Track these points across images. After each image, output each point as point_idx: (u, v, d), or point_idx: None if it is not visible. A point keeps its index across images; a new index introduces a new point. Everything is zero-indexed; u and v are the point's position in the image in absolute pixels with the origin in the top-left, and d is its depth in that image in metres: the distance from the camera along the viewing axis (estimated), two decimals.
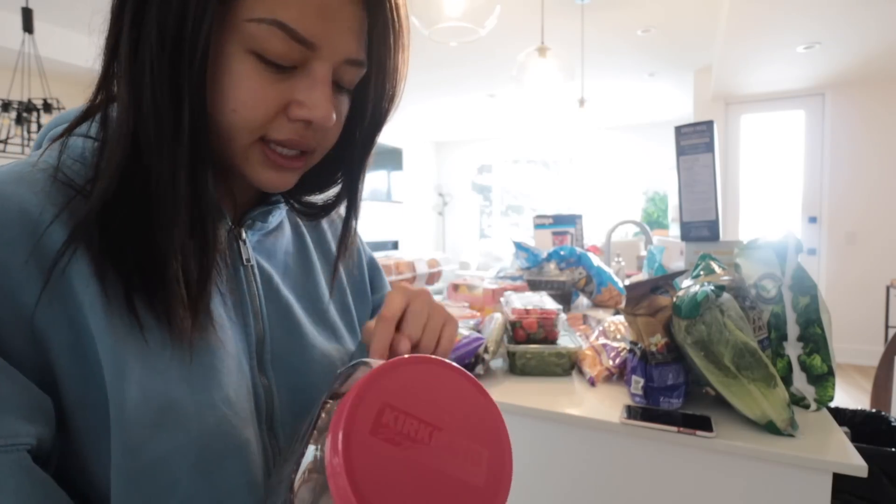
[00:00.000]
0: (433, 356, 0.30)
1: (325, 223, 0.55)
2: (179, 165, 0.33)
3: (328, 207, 0.48)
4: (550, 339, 1.05)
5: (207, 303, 0.36)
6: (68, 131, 0.37)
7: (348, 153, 0.44)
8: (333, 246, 0.54)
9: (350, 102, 0.41)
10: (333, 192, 0.48)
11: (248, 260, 0.43)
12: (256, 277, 0.43)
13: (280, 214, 0.47)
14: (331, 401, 0.30)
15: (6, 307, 0.30)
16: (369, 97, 0.41)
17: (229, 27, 0.33)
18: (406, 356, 0.29)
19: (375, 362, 0.30)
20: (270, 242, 0.46)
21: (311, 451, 0.27)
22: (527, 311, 1.05)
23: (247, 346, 0.40)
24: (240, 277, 0.42)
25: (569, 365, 1.02)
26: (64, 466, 0.32)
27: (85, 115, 0.37)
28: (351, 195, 0.46)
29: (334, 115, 0.37)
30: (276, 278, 0.45)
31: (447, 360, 0.30)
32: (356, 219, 0.47)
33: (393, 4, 0.37)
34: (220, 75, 0.34)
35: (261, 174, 0.38)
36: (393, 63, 0.40)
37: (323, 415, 0.29)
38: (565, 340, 1.07)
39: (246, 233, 0.43)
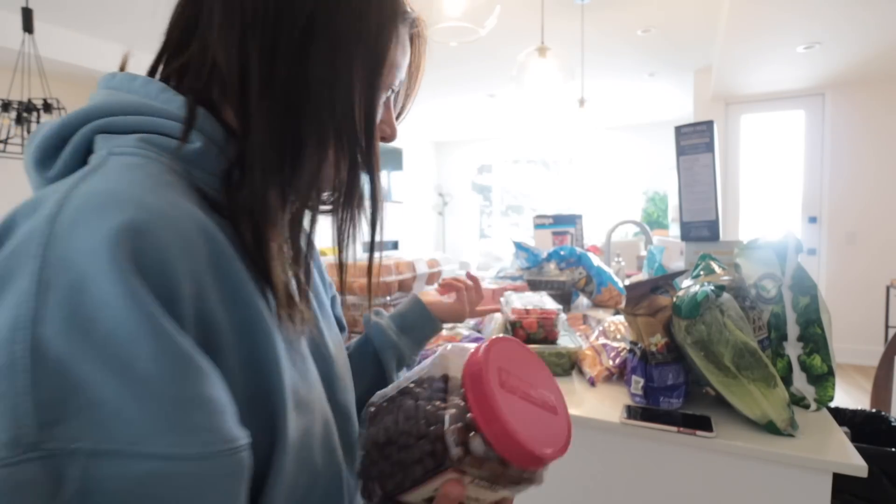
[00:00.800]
0: (507, 336, 0.41)
1: None
2: (324, 175, 0.40)
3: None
4: (550, 339, 1.05)
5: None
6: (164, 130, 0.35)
7: None
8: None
9: None
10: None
11: None
12: None
13: None
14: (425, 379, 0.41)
15: (201, 325, 0.30)
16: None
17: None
18: (494, 337, 0.40)
19: (450, 346, 0.41)
20: None
21: (447, 414, 0.36)
22: (527, 311, 1.05)
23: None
24: None
25: (569, 365, 1.02)
26: None
27: (190, 121, 0.35)
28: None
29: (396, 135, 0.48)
30: None
31: (516, 339, 0.42)
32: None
33: (420, 54, 0.49)
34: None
35: None
36: (406, 94, 0.52)
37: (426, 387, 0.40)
38: (565, 340, 1.07)
39: None
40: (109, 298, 0.25)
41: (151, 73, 0.40)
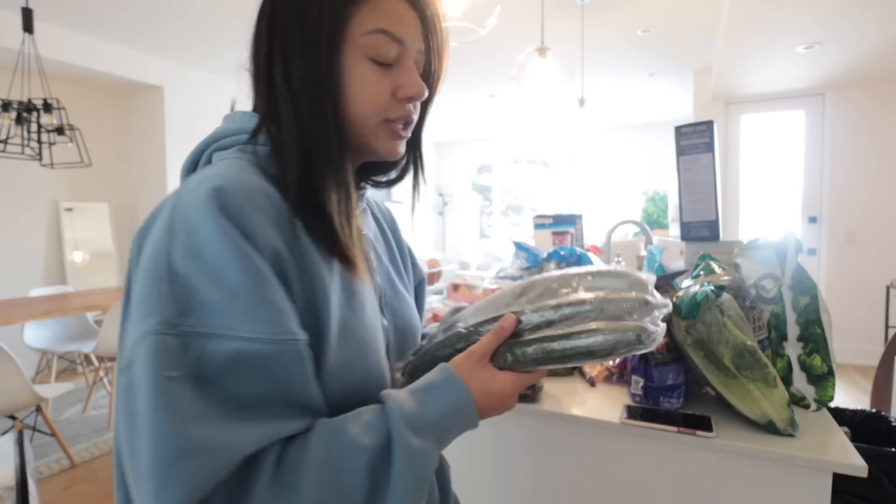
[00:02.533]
0: None
1: (378, 213, 0.70)
2: (332, 150, 0.48)
3: (396, 180, 0.64)
4: None
5: (358, 244, 0.49)
6: (252, 141, 0.50)
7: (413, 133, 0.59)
8: (390, 234, 0.70)
9: None
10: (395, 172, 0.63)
11: (362, 230, 0.57)
12: (370, 244, 0.59)
13: (364, 198, 0.62)
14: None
15: (272, 258, 0.42)
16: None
17: (351, 45, 0.48)
18: None
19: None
20: (364, 220, 0.61)
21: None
22: None
23: (373, 294, 0.54)
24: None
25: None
26: None
27: (255, 132, 0.50)
28: (416, 159, 0.63)
29: (425, 90, 0.52)
30: (378, 248, 0.61)
31: None
32: (423, 177, 0.65)
33: (432, 11, 0.53)
34: (349, 81, 0.48)
35: (387, 146, 0.52)
36: (438, 50, 0.55)
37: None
38: None
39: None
40: (212, 236, 0.39)
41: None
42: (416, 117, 0.54)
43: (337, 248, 0.47)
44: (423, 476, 0.42)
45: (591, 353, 0.45)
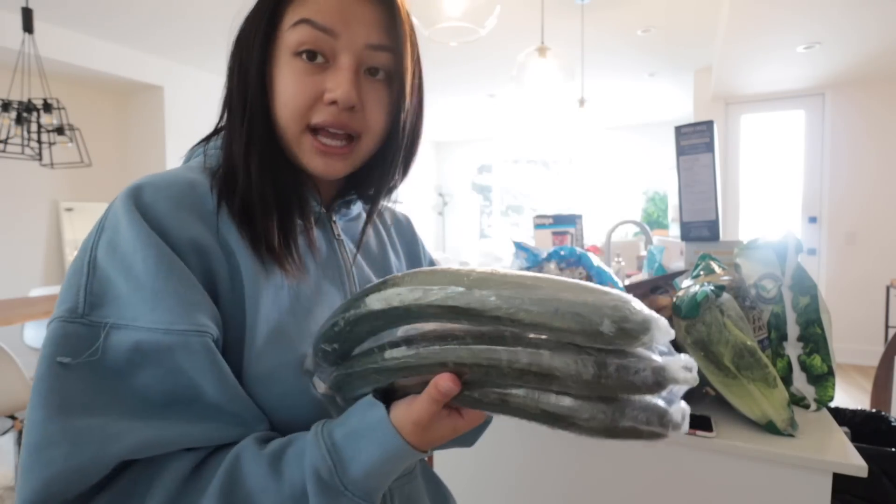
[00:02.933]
0: None
1: (390, 221, 0.67)
2: (250, 152, 0.46)
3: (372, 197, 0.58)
4: None
5: (294, 246, 0.47)
6: (204, 143, 0.52)
7: (394, 145, 0.53)
8: (398, 241, 0.67)
9: (393, 94, 0.49)
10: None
11: (339, 236, 0.55)
12: (346, 249, 0.56)
13: (358, 206, 0.60)
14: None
15: (192, 250, 0.42)
16: (395, 81, 0.50)
17: (281, 42, 0.46)
18: None
19: None
20: (353, 228, 0.59)
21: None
22: None
23: (332, 301, 0.51)
24: (334, 248, 0.54)
25: None
26: None
27: (210, 135, 0.52)
28: (384, 176, 0.55)
29: (354, 93, 0.46)
30: (358, 255, 0.58)
31: None
32: (388, 195, 0.58)
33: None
34: (277, 83, 0.46)
35: (310, 161, 0.48)
36: (406, 45, 0.49)
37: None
38: None
39: (335, 216, 0.56)
40: (125, 229, 0.40)
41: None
42: (358, 128, 0.48)
43: (258, 248, 0.45)
44: None
45: (571, 422, 0.35)
